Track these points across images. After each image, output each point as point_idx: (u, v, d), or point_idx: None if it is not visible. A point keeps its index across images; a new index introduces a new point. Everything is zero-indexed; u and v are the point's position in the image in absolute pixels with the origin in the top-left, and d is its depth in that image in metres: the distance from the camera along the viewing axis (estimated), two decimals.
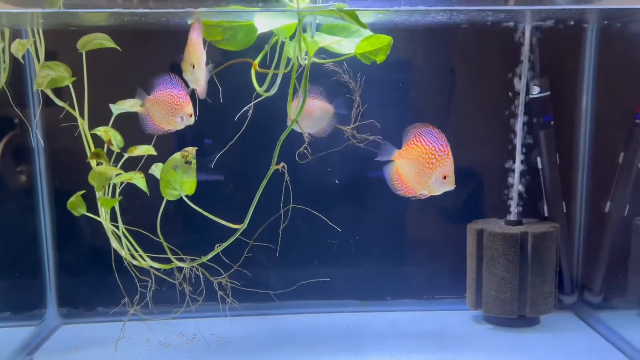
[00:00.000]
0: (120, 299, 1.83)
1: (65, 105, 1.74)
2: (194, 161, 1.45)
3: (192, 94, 1.60)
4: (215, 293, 1.83)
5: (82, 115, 1.73)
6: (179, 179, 1.46)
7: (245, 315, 1.97)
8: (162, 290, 1.83)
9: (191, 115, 1.57)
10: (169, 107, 1.57)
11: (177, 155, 1.45)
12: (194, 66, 1.46)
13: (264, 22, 1.50)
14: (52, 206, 1.98)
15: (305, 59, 1.55)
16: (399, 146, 1.54)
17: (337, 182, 1.99)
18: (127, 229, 1.72)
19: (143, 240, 1.74)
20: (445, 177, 1.48)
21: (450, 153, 1.49)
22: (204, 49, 1.50)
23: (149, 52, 2.00)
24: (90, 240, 2.01)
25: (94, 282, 2.02)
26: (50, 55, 1.75)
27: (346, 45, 1.68)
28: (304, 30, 1.61)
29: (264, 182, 1.57)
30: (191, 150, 1.44)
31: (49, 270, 2.01)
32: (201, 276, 1.74)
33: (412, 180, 1.52)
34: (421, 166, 1.49)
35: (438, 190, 1.51)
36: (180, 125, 1.58)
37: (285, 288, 1.96)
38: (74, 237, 2.01)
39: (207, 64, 1.52)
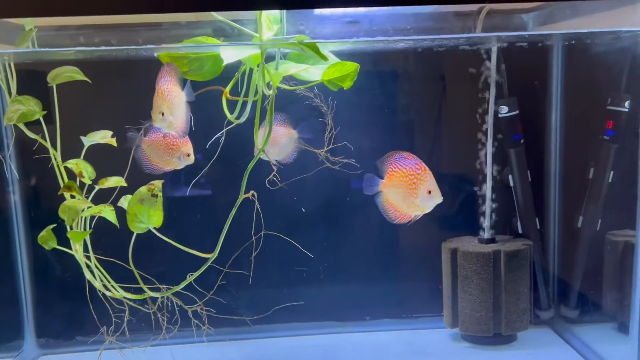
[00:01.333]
0: (99, 328, 1.84)
1: (38, 138, 1.75)
2: (160, 194, 1.46)
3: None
4: (191, 319, 1.84)
5: (54, 147, 1.75)
6: (146, 212, 1.47)
7: (222, 341, 1.98)
8: (138, 318, 1.84)
9: (189, 155, 1.59)
10: (166, 147, 1.59)
11: (143, 189, 1.46)
12: (163, 114, 1.47)
13: (229, 53, 1.53)
14: (28, 237, 1.99)
15: (270, 89, 1.57)
16: (381, 176, 1.58)
17: (303, 210, 2.01)
18: (102, 259, 1.73)
19: (119, 270, 1.75)
20: (430, 192, 1.52)
21: (427, 169, 1.52)
22: (181, 87, 1.52)
23: (124, 81, 2.01)
24: (67, 270, 2.01)
25: (71, 312, 2.03)
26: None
27: (314, 73, 1.70)
28: (272, 59, 1.64)
29: (233, 210, 1.58)
30: (157, 184, 1.46)
31: (26, 301, 2.01)
32: (176, 305, 1.75)
33: (403, 205, 1.55)
34: (405, 189, 1.53)
35: (428, 206, 1.54)
36: (179, 165, 1.60)
37: (261, 313, 1.97)
38: (51, 267, 2.02)
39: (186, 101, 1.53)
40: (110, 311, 1.75)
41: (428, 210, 1.55)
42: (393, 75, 2.08)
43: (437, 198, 1.52)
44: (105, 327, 1.85)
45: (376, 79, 2.04)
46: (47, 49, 1.63)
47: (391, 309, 2.15)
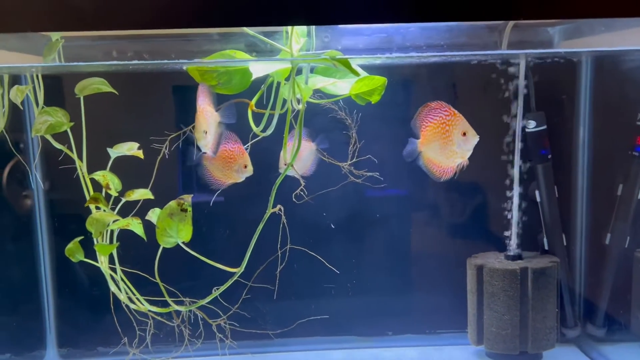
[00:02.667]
0: (121, 339, 1.84)
1: (64, 148, 1.76)
2: (189, 209, 1.45)
3: None
4: (213, 331, 1.83)
5: (80, 158, 1.75)
6: (175, 227, 1.46)
7: (244, 354, 1.97)
8: (162, 330, 1.83)
9: (246, 167, 1.59)
10: (224, 161, 1.59)
11: (172, 204, 1.46)
12: (206, 132, 1.49)
13: (258, 67, 1.52)
14: (52, 247, 1.99)
15: (299, 103, 1.56)
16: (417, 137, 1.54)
17: (332, 226, 1.99)
18: (126, 271, 1.73)
19: (143, 282, 1.74)
20: (464, 134, 1.47)
21: (456, 112, 1.47)
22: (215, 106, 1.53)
23: (152, 93, 2.01)
24: (90, 280, 2.01)
25: (94, 322, 2.02)
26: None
27: (341, 87, 1.69)
28: (299, 73, 1.63)
29: (260, 225, 1.57)
30: (187, 198, 1.45)
31: (48, 311, 2.01)
32: (200, 318, 1.74)
33: (442, 158, 1.51)
34: (440, 139, 1.49)
35: (467, 150, 1.48)
36: (239, 178, 1.60)
37: (284, 326, 1.95)
38: (74, 277, 2.02)
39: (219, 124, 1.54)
40: (135, 324, 1.74)
41: (468, 154, 1.48)
42: (419, 88, 2.07)
43: (473, 138, 1.46)
44: (126, 338, 1.85)
45: (401, 93, 2.03)
46: (73, 63, 1.63)
47: (414, 324, 2.12)
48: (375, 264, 2.10)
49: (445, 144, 1.48)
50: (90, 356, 2.02)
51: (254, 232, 1.61)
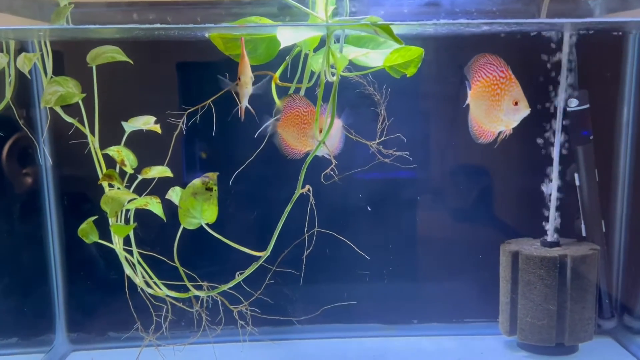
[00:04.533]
0: (133, 323, 1.74)
1: (75, 122, 1.64)
2: (215, 188, 1.34)
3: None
4: (233, 316, 1.73)
5: (92, 132, 1.63)
6: (199, 207, 1.35)
7: (265, 340, 1.87)
8: (177, 315, 1.73)
9: (321, 131, 1.46)
10: (297, 128, 1.48)
11: (197, 182, 1.34)
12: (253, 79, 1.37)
13: (288, 35, 1.39)
14: (61, 227, 1.88)
15: (333, 75, 1.44)
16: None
17: (369, 209, 1.88)
18: (142, 254, 1.62)
19: (159, 265, 1.64)
20: (516, 103, 1.33)
21: (512, 76, 1.34)
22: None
23: (168, 63, 1.89)
24: (102, 263, 1.91)
25: (105, 306, 1.92)
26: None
27: (374, 58, 1.57)
28: (322, 44, 1.50)
29: (289, 207, 1.46)
30: (212, 176, 1.34)
31: (57, 293, 1.91)
32: (220, 304, 1.64)
33: (485, 119, 1.39)
34: (488, 100, 1.36)
35: (514, 120, 1.35)
36: (314, 145, 1.47)
37: (308, 313, 1.86)
38: (84, 259, 1.91)
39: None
40: (151, 309, 1.64)
41: (514, 125, 1.36)
42: (454, 62, 1.94)
43: (525, 109, 1.33)
44: (139, 323, 1.75)
45: (435, 66, 1.90)
46: (83, 27, 1.50)
47: (441, 312, 2.02)
48: (402, 249, 2.00)
49: (492, 107, 1.35)
50: (101, 341, 1.93)
51: (279, 214, 1.50)
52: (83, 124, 1.63)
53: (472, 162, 2.00)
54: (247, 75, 1.32)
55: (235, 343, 1.79)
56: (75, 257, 1.90)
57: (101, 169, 1.63)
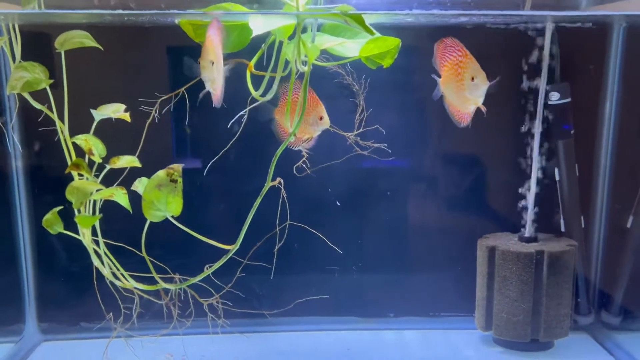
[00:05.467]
0: (105, 315, 1.71)
1: (44, 108, 1.60)
2: (180, 179, 1.30)
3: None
4: (207, 310, 1.71)
5: (62, 119, 1.59)
6: (164, 199, 1.31)
7: (238, 333, 1.85)
8: (149, 306, 1.70)
9: (322, 119, 1.44)
10: (297, 113, 1.43)
11: (161, 173, 1.30)
12: (213, 63, 1.30)
13: (259, 23, 1.35)
14: (31, 216, 1.85)
15: (304, 65, 1.40)
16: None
17: (338, 204, 1.85)
18: (112, 245, 1.59)
19: (130, 256, 1.60)
20: (473, 78, 1.34)
21: (468, 53, 1.34)
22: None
23: (141, 49, 1.84)
24: (73, 252, 1.87)
25: (76, 296, 1.89)
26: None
27: (350, 48, 1.52)
28: (304, 32, 1.46)
29: (258, 200, 1.43)
30: (177, 168, 1.30)
31: (27, 283, 1.88)
32: (190, 296, 1.61)
33: (458, 101, 1.39)
34: (454, 82, 1.37)
35: (478, 96, 1.35)
36: (314, 131, 1.46)
37: (283, 306, 1.83)
38: (55, 248, 1.87)
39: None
40: (119, 301, 1.61)
41: (480, 100, 1.36)
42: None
43: (482, 84, 1.33)
44: (112, 314, 1.72)
45: (414, 57, 1.86)
46: (53, 11, 1.45)
47: (417, 306, 2.00)
48: (378, 242, 1.97)
49: (459, 88, 1.35)
50: (72, 332, 1.90)
51: (252, 207, 1.47)
52: (52, 111, 1.59)
53: (452, 155, 1.97)
54: (205, 59, 1.26)
55: (208, 335, 1.77)
56: (46, 246, 1.86)
57: (70, 157, 1.60)
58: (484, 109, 1.38)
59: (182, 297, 1.68)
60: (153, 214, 1.32)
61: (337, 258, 1.90)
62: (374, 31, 1.25)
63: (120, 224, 1.64)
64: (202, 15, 1.41)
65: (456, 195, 1.99)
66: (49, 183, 1.83)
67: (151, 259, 1.63)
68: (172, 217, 1.35)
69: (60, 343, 1.88)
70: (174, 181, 1.29)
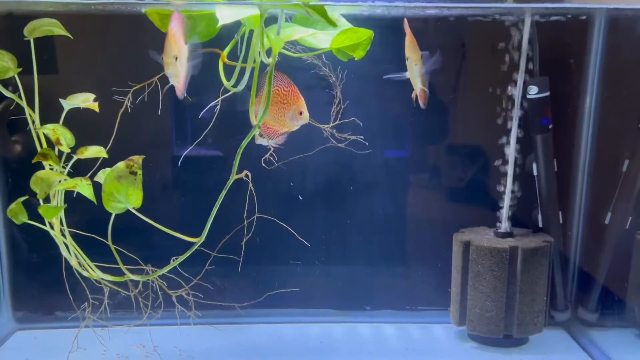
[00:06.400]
0: (80, 303, 1.71)
1: (15, 97, 1.59)
2: (139, 171, 1.29)
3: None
4: (179, 300, 1.70)
5: (32, 108, 1.58)
6: (124, 191, 1.30)
7: (211, 324, 1.84)
8: (121, 296, 1.70)
9: (301, 113, 1.43)
10: (276, 106, 1.42)
11: (120, 165, 1.29)
12: (176, 58, 1.29)
13: (226, 13, 1.33)
14: (5, 205, 1.84)
15: (269, 57, 1.38)
16: None
17: (300, 198, 1.84)
18: (82, 235, 1.58)
19: (104, 246, 1.60)
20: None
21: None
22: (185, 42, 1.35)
23: (110, 39, 1.83)
24: (47, 240, 1.86)
25: (51, 285, 1.89)
26: None
27: (322, 39, 1.50)
28: (274, 21, 1.44)
29: (223, 192, 1.42)
30: (137, 160, 1.29)
31: (2, 271, 1.88)
32: (159, 288, 1.61)
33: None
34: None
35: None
36: (292, 126, 1.44)
37: (253, 297, 1.83)
38: (30, 236, 1.87)
39: (188, 59, 1.36)
40: (87, 292, 1.61)
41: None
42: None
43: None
44: (86, 304, 1.72)
45: (390, 49, 1.83)
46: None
47: (394, 299, 1.99)
48: (355, 234, 1.96)
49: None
50: (47, 321, 1.90)
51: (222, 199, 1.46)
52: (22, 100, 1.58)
53: (430, 148, 1.95)
54: (168, 55, 1.25)
55: (182, 326, 1.77)
56: (20, 234, 1.86)
57: (41, 146, 1.59)
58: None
59: (154, 289, 1.68)
60: (113, 206, 1.31)
61: (313, 250, 1.89)
62: (336, 23, 1.23)
63: (94, 213, 1.64)
64: (167, 5, 1.39)
65: (435, 188, 1.97)
66: (23, 173, 1.82)
67: (122, 249, 1.63)
68: (134, 208, 1.34)
69: (34, 332, 1.88)
70: (134, 173, 1.28)
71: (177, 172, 1.85)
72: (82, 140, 1.55)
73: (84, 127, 1.56)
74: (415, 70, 1.38)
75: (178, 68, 1.28)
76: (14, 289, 1.90)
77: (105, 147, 1.55)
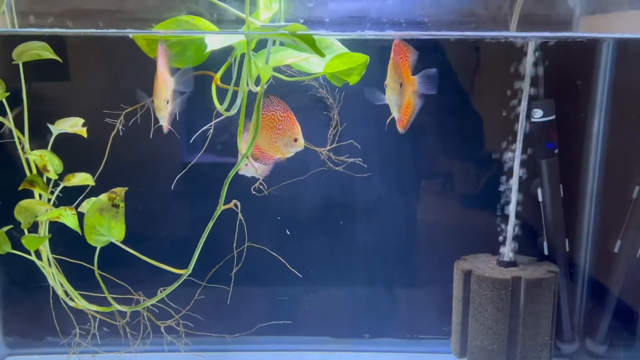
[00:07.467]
0: (71, 329, 1.68)
1: (5, 120, 1.56)
2: (122, 204, 1.25)
3: None
4: (169, 327, 1.67)
5: (22, 132, 1.55)
6: (107, 224, 1.26)
7: (203, 351, 1.80)
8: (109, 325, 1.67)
9: (296, 140, 1.38)
10: (271, 132, 1.38)
11: (103, 197, 1.25)
12: (168, 102, 1.29)
13: (215, 39, 1.29)
14: None
15: (257, 85, 1.33)
16: None
17: (288, 232, 1.78)
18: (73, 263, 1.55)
19: (91, 275, 1.56)
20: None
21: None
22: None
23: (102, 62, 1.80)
24: (38, 266, 1.84)
25: (43, 310, 1.85)
26: None
27: (316, 63, 1.46)
28: (263, 47, 1.39)
29: (210, 223, 1.37)
30: (119, 192, 1.25)
31: None
32: (147, 319, 1.57)
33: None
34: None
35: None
36: (286, 152, 1.40)
37: (245, 324, 1.78)
38: (20, 261, 1.83)
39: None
40: (74, 321, 1.58)
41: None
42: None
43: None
44: (76, 331, 1.69)
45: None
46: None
47: (394, 327, 1.93)
48: (354, 260, 1.90)
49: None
50: (38, 346, 1.87)
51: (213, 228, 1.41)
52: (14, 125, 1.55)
53: (432, 171, 1.89)
54: (159, 98, 1.21)
55: (173, 353, 1.73)
56: (11, 259, 1.83)
57: (30, 171, 1.56)
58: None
59: (144, 318, 1.64)
60: (96, 239, 1.27)
61: (312, 275, 1.84)
62: (324, 53, 1.18)
63: (84, 240, 1.61)
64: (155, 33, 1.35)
65: (437, 212, 1.91)
66: (15, 198, 1.79)
67: (111, 277, 1.60)
68: (118, 241, 1.30)
69: (25, 358, 1.85)
70: (116, 206, 1.24)
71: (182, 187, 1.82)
72: (71, 166, 1.53)
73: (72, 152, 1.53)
74: (392, 99, 1.31)
75: (168, 110, 1.27)
76: (5, 314, 1.87)
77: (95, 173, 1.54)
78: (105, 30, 1.35)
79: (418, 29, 1.26)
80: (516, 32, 1.43)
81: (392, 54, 1.27)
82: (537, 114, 1.68)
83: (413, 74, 1.38)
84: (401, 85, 1.28)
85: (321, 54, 1.16)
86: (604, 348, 1.80)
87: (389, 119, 1.37)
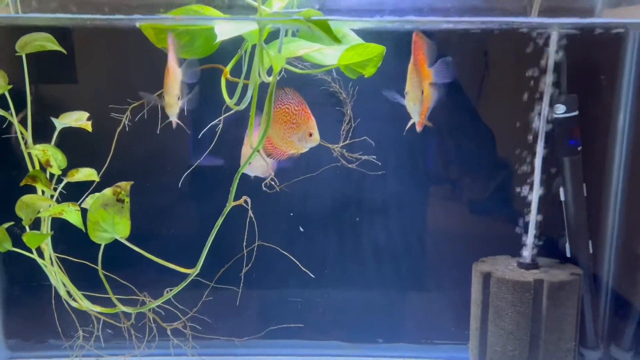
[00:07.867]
0: (75, 331, 1.63)
1: (7, 114, 1.51)
2: (127, 199, 1.19)
3: None
4: (176, 330, 1.61)
5: (25, 126, 1.50)
6: (111, 220, 1.20)
7: (212, 355, 1.74)
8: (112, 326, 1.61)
9: (311, 135, 1.31)
10: (285, 126, 1.31)
11: (107, 192, 1.19)
12: (179, 98, 1.25)
13: (225, 28, 1.23)
14: None
15: (269, 75, 1.27)
16: None
17: (301, 229, 1.72)
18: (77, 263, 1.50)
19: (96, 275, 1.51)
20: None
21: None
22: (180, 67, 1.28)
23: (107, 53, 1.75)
24: (40, 268, 1.78)
25: (45, 313, 1.80)
26: None
27: (329, 55, 1.39)
28: (275, 37, 1.33)
29: (220, 220, 1.31)
30: (124, 186, 1.19)
31: None
32: (153, 321, 1.51)
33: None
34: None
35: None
36: (301, 147, 1.33)
37: (263, 329, 1.72)
38: (23, 262, 1.78)
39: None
40: (77, 323, 1.52)
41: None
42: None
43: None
44: (79, 333, 1.64)
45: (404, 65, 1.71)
46: (11, 15, 1.37)
47: (409, 332, 1.86)
48: (369, 262, 1.83)
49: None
50: (40, 349, 1.81)
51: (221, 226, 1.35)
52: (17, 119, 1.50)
53: (449, 171, 1.82)
54: (171, 95, 1.16)
55: (180, 357, 1.67)
56: (13, 260, 1.78)
57: (33, 167, 1.50)
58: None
59: (149, 320, 1.58)
60: (100, 236, 1.21)
61: (323, 278, 1.77)
62: (340, 40, 1.11)
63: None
64: (162, 20, 1.30)
65: (454, 212, 1.84)
66: (16, 195, 1.74)
67: (117, 277, 1.54)
68: (123, 237, 1.24)
69: None
70: (121, 200, 1.18)
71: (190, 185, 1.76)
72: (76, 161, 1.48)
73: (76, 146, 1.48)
74: (412, 108, 1.24)
75: (179, 105, 1.22)
76: (6, 317, 1.82)
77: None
78: (110, 16, 1.30)
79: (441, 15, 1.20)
80: (538, 18, 1.36)
81: (412, 53, 1.20)
82: (560, 110, 1.61)
83: (429, 66, 1.32)
84: (422, 92, 1.21)
85: (337, 40, 1.09)
86: (629, 355, 1.72)
87: (409, 124, 1.30)
